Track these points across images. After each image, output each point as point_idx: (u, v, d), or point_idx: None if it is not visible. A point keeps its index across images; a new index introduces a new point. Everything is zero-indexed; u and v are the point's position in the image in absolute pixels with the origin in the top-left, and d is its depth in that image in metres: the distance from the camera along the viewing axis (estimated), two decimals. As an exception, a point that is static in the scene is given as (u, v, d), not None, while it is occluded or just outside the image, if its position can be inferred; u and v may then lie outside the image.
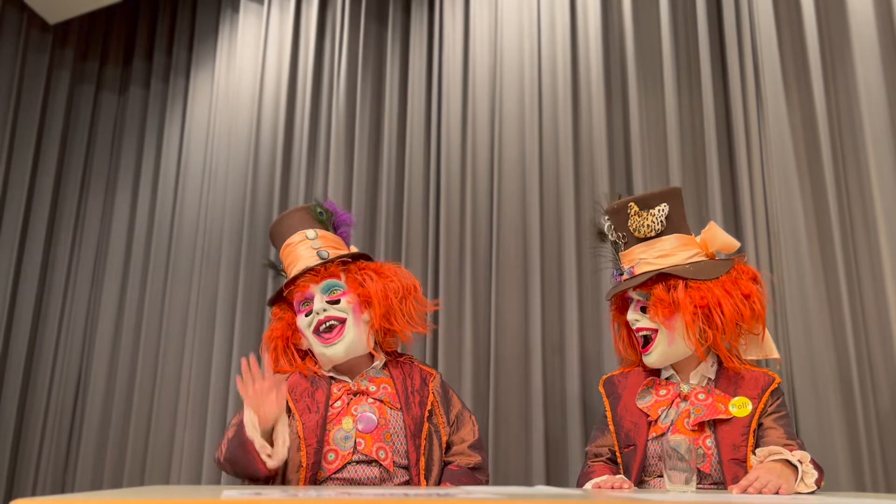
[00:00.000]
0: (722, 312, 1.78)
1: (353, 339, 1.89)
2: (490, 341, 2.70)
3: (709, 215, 2.48)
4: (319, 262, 1.95)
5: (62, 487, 3.47)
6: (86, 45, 4.13)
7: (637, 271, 1.88)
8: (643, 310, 1.88)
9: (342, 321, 1.90)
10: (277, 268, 2.14)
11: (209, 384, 3.18)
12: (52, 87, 3.99)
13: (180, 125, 3.80)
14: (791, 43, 2.53)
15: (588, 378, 2.53)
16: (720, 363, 1.88)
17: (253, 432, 1.67)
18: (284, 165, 3.36)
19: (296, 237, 2.01)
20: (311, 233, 2.01)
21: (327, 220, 2.10)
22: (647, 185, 2.60)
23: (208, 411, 3.12)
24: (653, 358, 1.86)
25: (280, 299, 2.04)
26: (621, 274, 1.96)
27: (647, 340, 1.87)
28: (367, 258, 2.05)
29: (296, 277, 1.94)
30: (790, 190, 2.40)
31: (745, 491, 1.46)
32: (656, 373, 1.92)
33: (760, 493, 1.45)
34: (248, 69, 3.60)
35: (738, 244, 1.96)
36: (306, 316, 1.92)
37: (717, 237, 1.93)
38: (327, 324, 1.89)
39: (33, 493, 3.47)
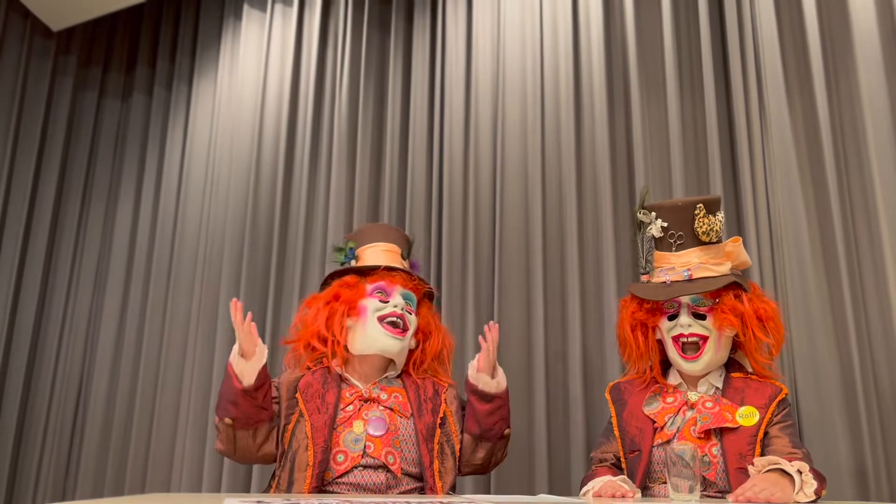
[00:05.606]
0: (775, 325, 1.81)
1: (405, 345, 1.98)
2: (492, 348, 2.69)
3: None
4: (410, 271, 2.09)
5: (62, 495, 3.46)
6: (89, 52, 4.14)
7: (696, 275, 1.83)
8: (695, 315, 1.84)
9: (407, 327, 1.99)
10: (349, 258, 2.16)
11: (210, 392, 3.18)
12: (54, 94, 4.00)
13: (183, 132, 3.80)
14: (793, 49, 2.53)
15: (591, 385, 2.53)
16: (727, 372, 1.87)
17: (234, 357, 1.76)
18: (286, 172, 3.36)
19: (391, 246, 2.12)
20: (404, 253, 2.16)
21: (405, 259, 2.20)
22: (649, 191, 2.60)
23: (209, 419, 3.11)
24: (700, 366, 1.82)
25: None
26: (646, 272, 1.93)
27: (693, 347, 1.83)
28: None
29: (391, 267, 2.03)
30: (793, 196, 2.39)
31: (740, 499, 1.47)
32: (663, 380, 1.92)
33: (753, 502, 1.45)
34: (251, 76, 3.61)
35: (750, 262, 1.97)
36: (381, 302, 1.98)
37: (741, 252, 1.92)
38: (400, 320, 1.96)
39: (33, 501, 3.46)
